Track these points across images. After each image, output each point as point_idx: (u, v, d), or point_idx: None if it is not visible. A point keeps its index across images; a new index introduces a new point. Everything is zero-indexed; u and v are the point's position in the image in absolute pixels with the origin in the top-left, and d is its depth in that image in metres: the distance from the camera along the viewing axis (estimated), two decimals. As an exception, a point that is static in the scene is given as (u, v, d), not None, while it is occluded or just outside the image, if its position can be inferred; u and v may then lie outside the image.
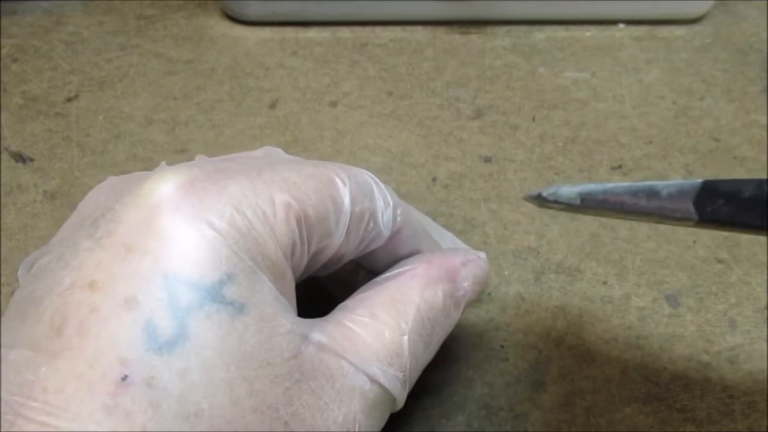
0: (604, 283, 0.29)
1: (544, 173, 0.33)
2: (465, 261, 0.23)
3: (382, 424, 0.20)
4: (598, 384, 0.25)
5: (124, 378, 0.15)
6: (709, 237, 0.30)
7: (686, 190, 0.18)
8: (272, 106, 0.36)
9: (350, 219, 0.20)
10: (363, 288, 0.22)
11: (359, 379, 0.19)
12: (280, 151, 0.25)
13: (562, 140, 0.35)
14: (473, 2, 0.40)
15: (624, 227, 0.30)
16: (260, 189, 0.18)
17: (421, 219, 0.26)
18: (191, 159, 0.24)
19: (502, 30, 0.41)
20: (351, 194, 0.20)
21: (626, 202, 0.18)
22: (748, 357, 0.26)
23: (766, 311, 0.28)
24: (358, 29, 0.41)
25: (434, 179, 0.33)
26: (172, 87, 0.37)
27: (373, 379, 0.19)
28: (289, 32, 0.41)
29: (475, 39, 0.40)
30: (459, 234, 0.29)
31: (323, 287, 0.25)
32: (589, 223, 0.30)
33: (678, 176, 0.33)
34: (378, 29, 0.41)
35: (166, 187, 0.18)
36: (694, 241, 0.30)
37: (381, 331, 0.20)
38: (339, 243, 0.20)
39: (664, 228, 0.30)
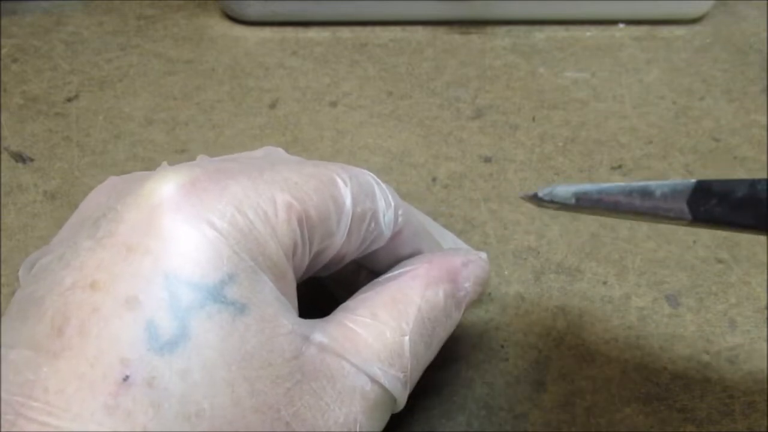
0: (604, 283, 0.29)
1: (544, 173, 0.33)
2: (466, 261, 0.23)
3: (383, 425, 0.20)
4: (598, 384, 0.25)
5: (126, 378, 0.15)
6: (709, 237, 0.30)
7: (680, 190, 0.18)
8: (272, 106, 0.36)
9: (352, 219, 0.20)
10: (364, 288, 0.22)
11: (360, 380, 0.19)
12: (281, 150, 0.25)
13: (562, 140, 0.35)
14: (473, 2, 0.40)
15: (624, 227, 0.30)
16: (262, 189, 0.18)
17: (422, 219, 0.26)
18: (191, 159, 0.24)
19: (502, 30, 0.41)
20: (353, 194, 0.20)
21: (621, 202, 0.18)
22: (748, 357, 0.26)
23: (766, 311, 0.28)
24: (358, 29, 0.41)
25: (434, 179, 0.33)
26: (172, 87, 0.37)
27: (374, 380, 0.19)
28: (289, 32, 0.41)
29: (475, 39, 0.40)
30: (459, 234, 0.29)
31: (324, 287, 0.25)
32: (589, 223, 0.30)
33: (678, 176, 0.33)
34: (378, 29, 0.41)
35: (167, 187, 0.18)
36: (694, 241, 0.30)
37: (382, 332, 0.20)
38: (340, 243, 0.20)
39: (664, 228, 0.30)
